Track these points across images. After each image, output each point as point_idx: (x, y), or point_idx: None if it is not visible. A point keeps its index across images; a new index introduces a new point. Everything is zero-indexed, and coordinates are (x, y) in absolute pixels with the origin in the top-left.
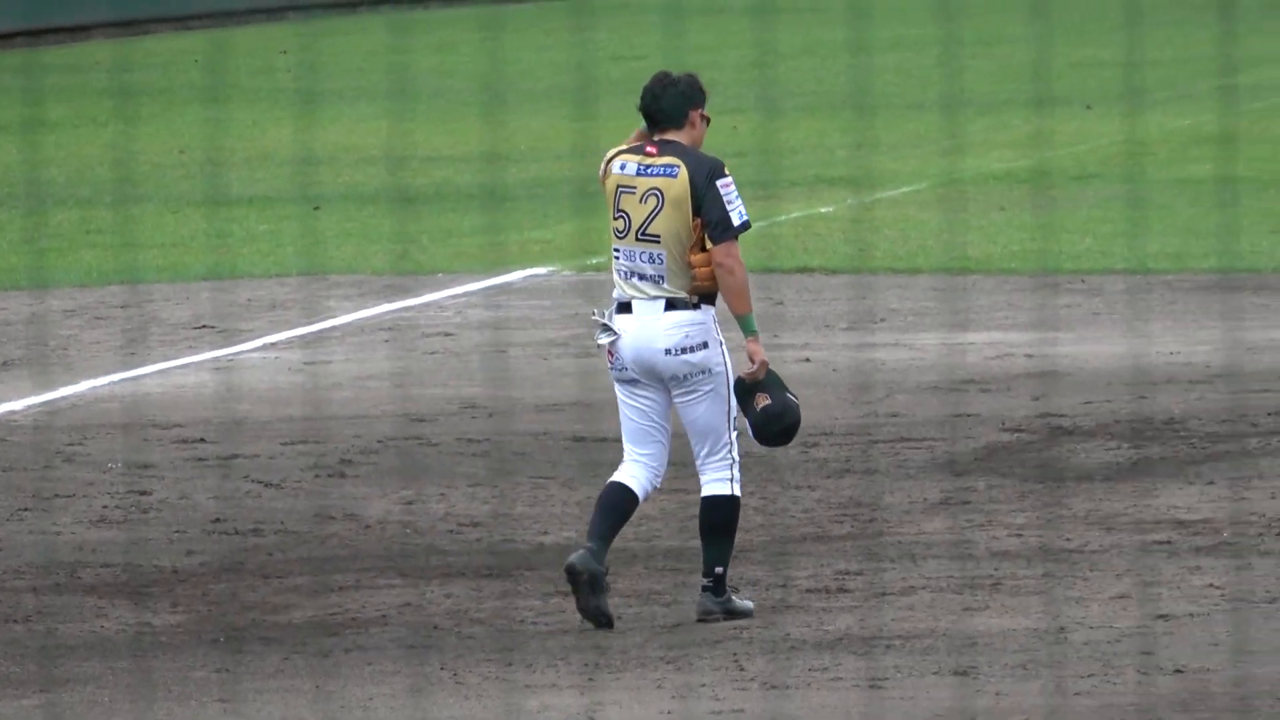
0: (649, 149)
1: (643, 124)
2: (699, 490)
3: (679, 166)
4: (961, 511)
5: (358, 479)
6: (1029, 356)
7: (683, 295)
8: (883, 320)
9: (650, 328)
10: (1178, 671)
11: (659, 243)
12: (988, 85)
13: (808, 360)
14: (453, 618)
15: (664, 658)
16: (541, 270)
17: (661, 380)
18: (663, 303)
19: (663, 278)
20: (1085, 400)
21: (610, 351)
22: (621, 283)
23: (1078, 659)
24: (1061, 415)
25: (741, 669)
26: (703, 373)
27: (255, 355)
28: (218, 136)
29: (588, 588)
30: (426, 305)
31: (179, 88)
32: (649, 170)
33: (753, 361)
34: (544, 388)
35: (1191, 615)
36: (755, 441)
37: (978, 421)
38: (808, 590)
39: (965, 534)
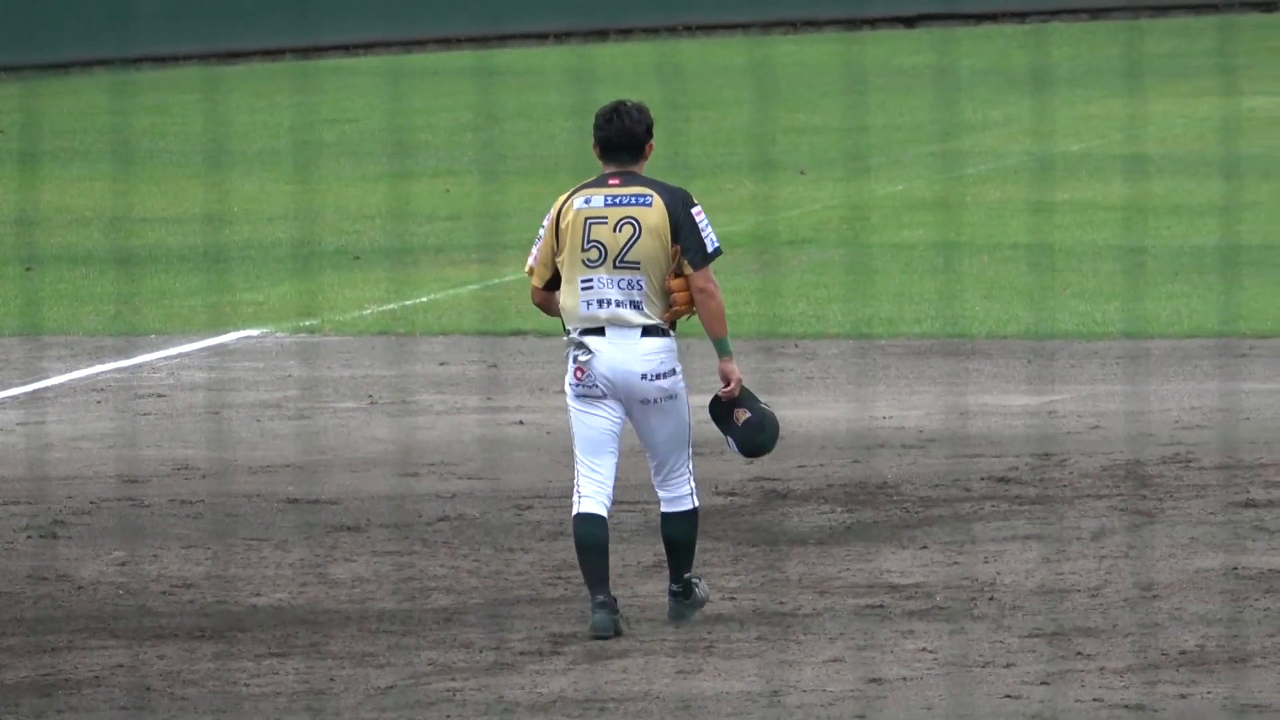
0: (611, 181)
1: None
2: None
3: (651, 195)
4: None
5: (71, 540)
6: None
7: (657, 321)
8: None
9: (627, 352)
10: None
11: (638, 269)
12: (705, 149)
13: (520, 423)
14: (166, 679)
15: None
16: (255, 332)
17: (624, 400)
18: (639, 330)
19: (640, 303)
20: (800, 464)
21: (581, 369)
22: (590, 311)
23: None
24: (776, 479)
25: None
26: (670, 397)
27: None
28: None
29: (610, 619)
30: (141, 366)
31: None
32: (619, 200)
33: (728, 381)
34: (258, 449)
35: (905, 679)
36: (740, 455)
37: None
38: (522, 652)
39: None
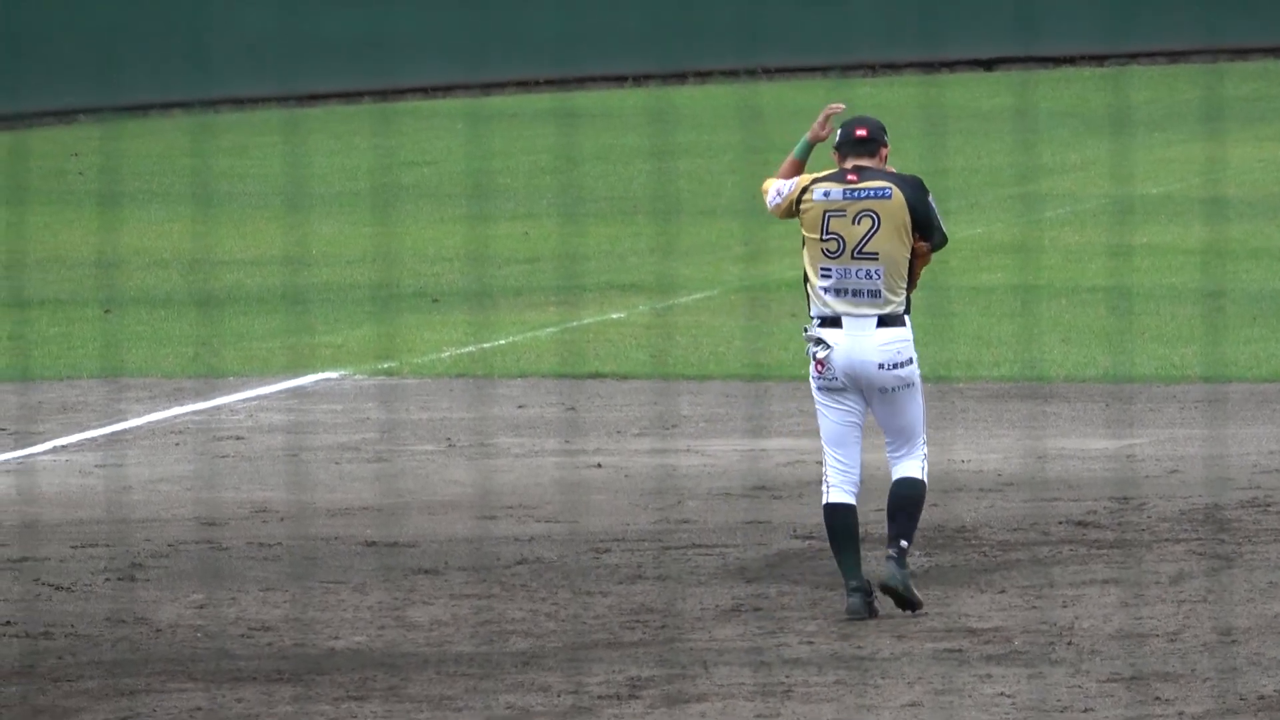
0: (849, 176)
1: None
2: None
3: (891, 188)
4: (753, 618)
5: (149, 582)
6: (820, 464)
7: (894, 310)
8: (675, 426)
9: (863, 342)
10: None
11: (876, 259)
12: None
13: (599, 466)
14: None
15: None
16: (334, 374)
17: (864, 388)
18: (874, 319)
19: (878, 292)
20: (878, 508)
21: (821, 363)
22: (829, 299)
23: None
24: None
25: None
26: (908, 385)
27: (47, 458)
28: (10, 239)
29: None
30: (219, 408)
31: None
32: (857, 194)
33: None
34: (336, 492)
35: None
36: None
37: (770, 528)
38: (600, 696)
39: (757, 641)
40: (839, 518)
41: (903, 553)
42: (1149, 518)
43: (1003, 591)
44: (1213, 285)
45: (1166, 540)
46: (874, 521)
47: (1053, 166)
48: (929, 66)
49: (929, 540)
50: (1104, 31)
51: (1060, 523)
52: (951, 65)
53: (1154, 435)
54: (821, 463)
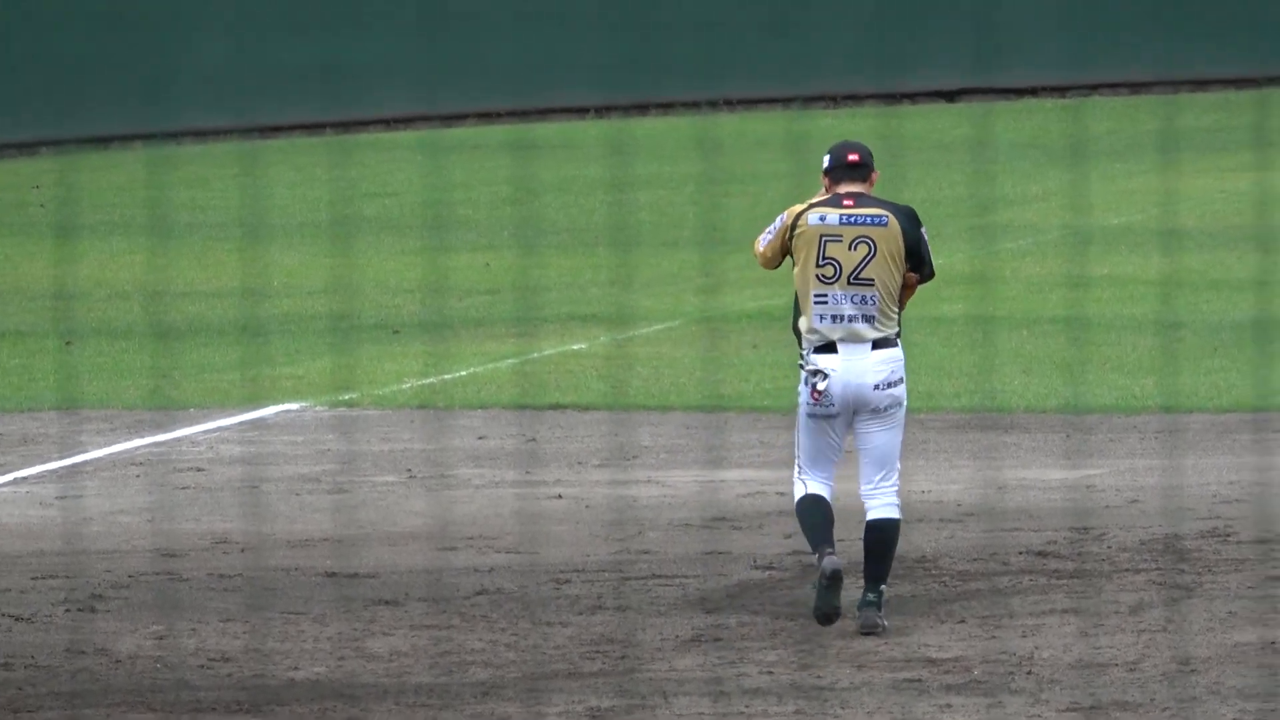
0: (845, 201)
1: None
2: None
3: (887, 216)
4: (713, 648)
5: (109, 613)
6: (780, 494)
7: (887, 334)
8: (636, 457)
9: (859, 364)
10: None
11: (872, 285)
12: (745, 223)
13: (560, 497)
14: None
15: None
16: (294, 406)
17: (856, 412)
18: (869, 343)
19: (873, 317)
20: (838, 538)
21: (818, 391)
22: (825, 327)
23: None
24: (805, 551)
25: None
26: (899, 404)
27: (7, 490)
28: None
29: (838, 588)
30: (179, 440)
31: None
32: (854, 220)
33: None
34: (296, 523)
35: None
36: None
37: (729, 559)
38: None
39: (717, 671)
40: (815, 504)
41: (880, 596)
42: (1109, 548)
43: (962, 621)
44: (1172, 316)
45: (1126, 570)
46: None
47: (1013, 197)
48: (890, 98)
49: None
50: (1065, 63)
51: (1020, 553)
52: (913, 97)
53: (1114, 465)
54: (795, 471)
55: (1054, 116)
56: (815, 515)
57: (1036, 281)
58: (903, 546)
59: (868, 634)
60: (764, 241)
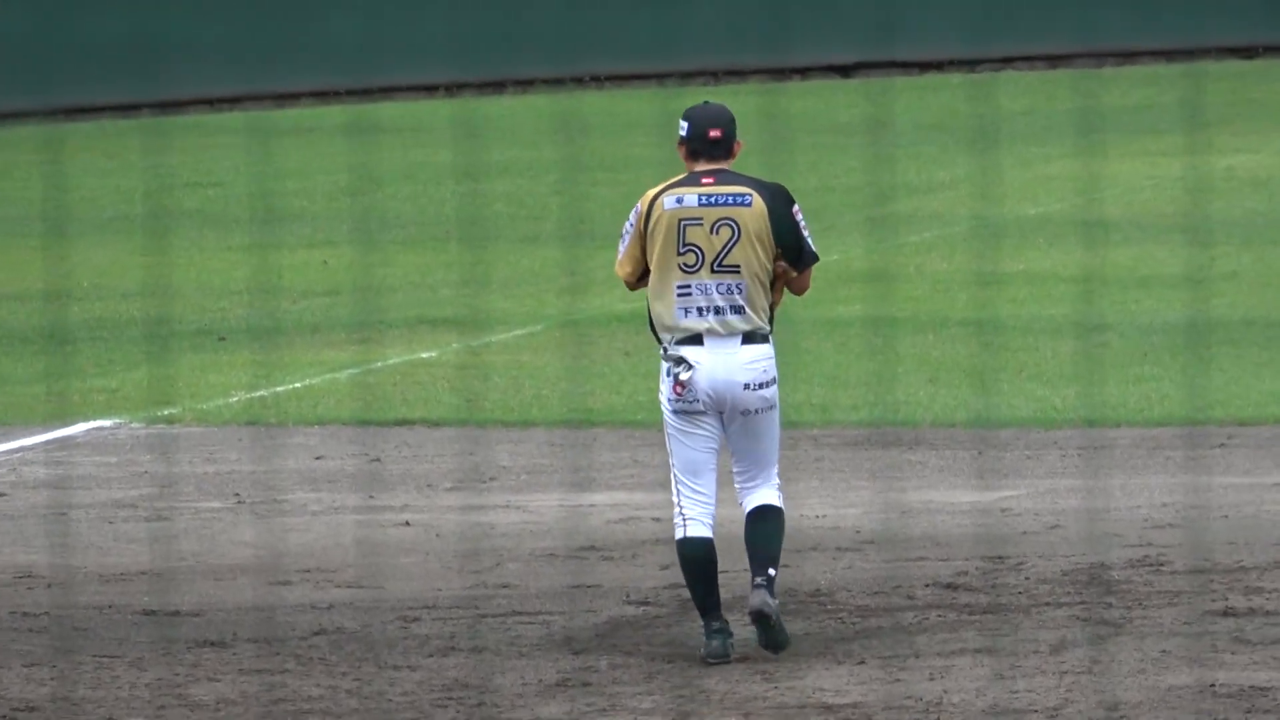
0: (704, 180)
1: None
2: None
3: (751, 194)
4: (581, 694)
5: None
6: (657, 520)
7: (758, 327)
8: (493, 479)
9: (729, 362)
10: None
11: (738, 273)
12: (615, 215)
13: (407, 524)
14: None
15: None
16: (106, 423)
17: (725, 413)
18: (739, 337)
19: (741, 308)
20: (720, 569)
21: (682, 384)
22: (689, 321)
23: None
24: (684, 585)
25: None
26: (771, 407)
27: None
28: None
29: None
30: None
31: None
32: (715, 200)
33: None
34: (109, 555)
35: None
36: None
37: (600, 593)
38: None
39: (585, 719)
40: (698, 551)
41: (771, 581)
42: (1026, 579)
43: (862, 663)
44: (1096, 317)
45: (1046, 604)
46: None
47: (916, 185)
48: (778, 73)
49: (778, 606)
50: (973, 34)
51: (926, 585)
52: (803, 72)
53: (1031, 486)
54: (674, 496)
55: (961, 94)
56: (701, 570)
57: (943, 279)
58: (795, 579)
59: (758, 620)
60: (622, 249)
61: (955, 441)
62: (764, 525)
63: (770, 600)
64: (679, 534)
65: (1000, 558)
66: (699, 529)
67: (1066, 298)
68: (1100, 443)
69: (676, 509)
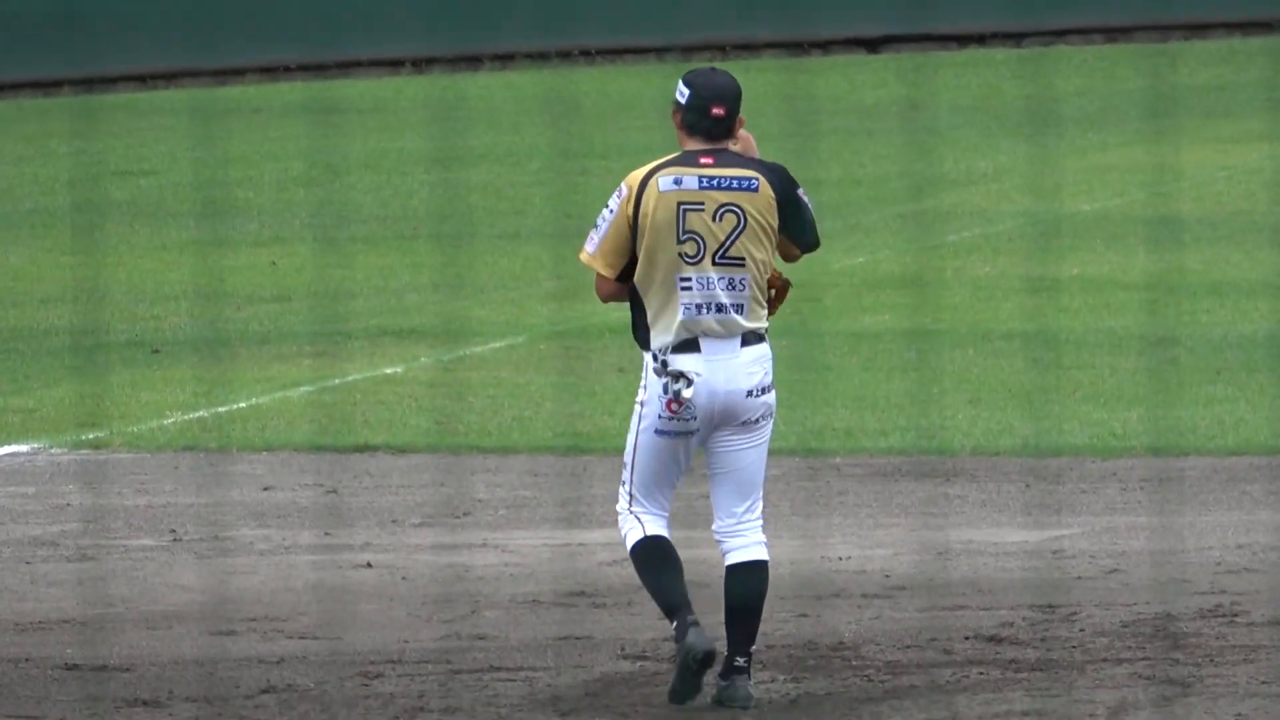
0: (703, 160)
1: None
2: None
3: (757, 178)
4: None
5: None
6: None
7: (758, 326)
8: (468, 514)
9: (730, 367)
10: None
11: (743, 265)
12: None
13: (369, 565)
14: None
15: None
16: (24, 448)
17: (718, 426)
18: (739, 339)
19: (743, 306)
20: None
21: (680, 400)
22: (691, 319)
23: None
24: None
25: None
26: (770, 414)
27: None
28: None
29: (707, 669)
30: None
31: None
32: (716, 183)
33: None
34: (27, 600)
35: None
36: None
37: (590, 645)
38: None
39: None
40: (659, 548)
41: (750, 661)
42: (1081, 631)
43: None
44: (1163, 330)
45: (1104, 660)
46: (723, 637)
47: (956, 176)
48: (795, 47)
49: (795, 661)
50: (1021, 3)
51: (967, 638)
52: (824, 46)
53: (1088, 524)
54: (623, 506)
55: (1007, 72)
56: (663, 566)
57: (986, 285)
58: (816, 630)
59: (746, 709)
60: (596, 240)
61: (1000, 472)
62: (747, 593)
63: (750, 691)
64: (635, 538)
65: (1051, 607)
66: (656, 528)
67: (1129, 307)
68: (1167, 474)
69: (628, 517)
